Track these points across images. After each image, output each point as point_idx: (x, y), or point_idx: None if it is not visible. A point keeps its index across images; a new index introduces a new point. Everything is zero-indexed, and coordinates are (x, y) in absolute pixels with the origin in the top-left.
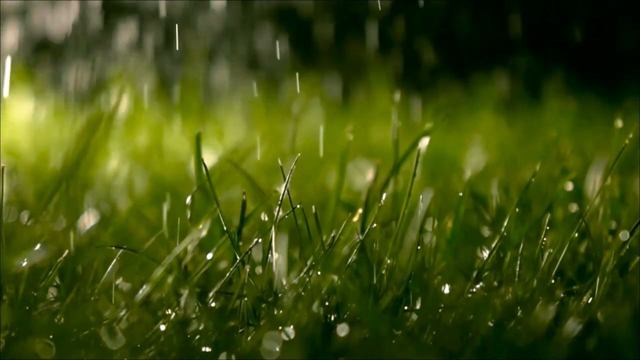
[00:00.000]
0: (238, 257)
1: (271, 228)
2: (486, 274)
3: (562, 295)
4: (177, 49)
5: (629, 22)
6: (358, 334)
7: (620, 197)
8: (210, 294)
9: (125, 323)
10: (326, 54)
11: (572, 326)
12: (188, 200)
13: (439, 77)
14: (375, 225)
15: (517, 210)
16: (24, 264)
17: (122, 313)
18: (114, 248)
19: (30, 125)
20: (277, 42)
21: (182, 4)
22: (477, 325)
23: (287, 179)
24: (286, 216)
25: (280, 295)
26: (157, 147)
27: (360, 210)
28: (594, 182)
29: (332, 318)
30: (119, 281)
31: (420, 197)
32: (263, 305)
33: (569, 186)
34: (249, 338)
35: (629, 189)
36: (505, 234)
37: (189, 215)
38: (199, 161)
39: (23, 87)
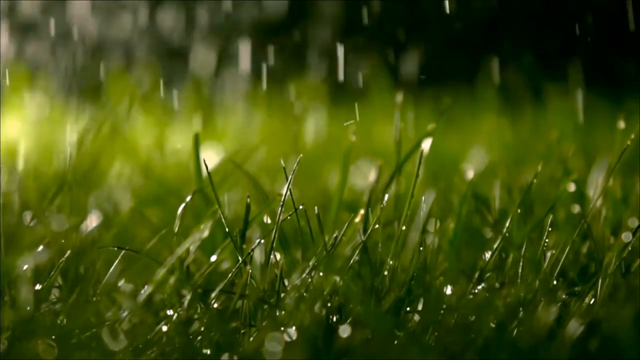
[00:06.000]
0: (240, 259)
1: (273, 229)
2: (488, 275)
3: (564, 296)
4: (180, 49)
5: (632, 23)
6: (360, 335)
7: (622, 198)
8: (213, 295)
9: (128, 324)
10: (328, 54)
11: (574, 327)
12: (187, 199)
13: (442, 78)
14: (377, 226)
15: (519, 211)
16: (26, 265)
17: (124, 314)
18: (116, 249)
19: (32, 126)
20: (279, 43)
21: (184, 4)
22: (480, 326)
23: (289, 180)
24: (289, 217)
25: (282, 296)
26: (159, 148)
27: (362, 211)
28: (596, 183)
29: (335, 319)
30: (121, 283)
31: (423, 198)
32: (265, 306)
33: (572, 187)
34: (251, 339)
35: (631, 190)
36: (507, 235)
37: (189, 216)
38: (198, 162)
39: (24, 86)
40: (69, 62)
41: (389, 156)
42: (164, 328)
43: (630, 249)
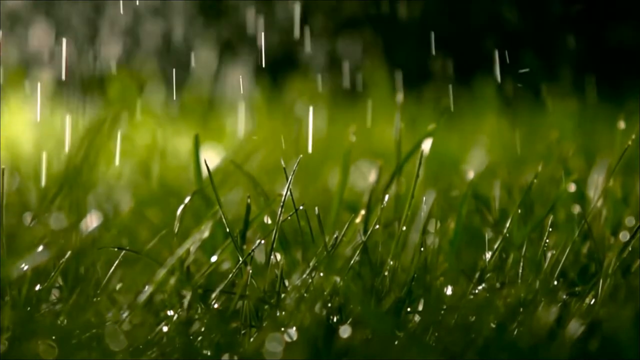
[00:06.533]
0: (241, 259)
1: (274, 230)
2: (489, 275)
3: (564, 296)
4: (181, 50)
5: (632, 23)
6: (360, 335)
7: (622, 198)
8: (213, 295)
9: (128, 324)
10: (329, 55)
11: (575, 327)
12: (187, 200)
13: (442, 78)
14: (377, 226)
15: (519, 211)
16: (27, 265)
17: (125, 314)
18: (116, 249)
19: (33, 126)
20: (280, 44)
21: (186, 4)
22: (480, 327)
23: (289, 180)
24: (289, 217)
25: (282, 296)
26: (160, 148)
27: (362, 212)
28: (596, 184)
29: (335, 319)
30: (120, 285)
31: (424, 198)
32: (265, 307)
33: (572, 187)
34: (251, 339)
35: (631, 190)
36: (507, 235)
37: (189, 217)
38: (197, 163)
39: (25, 87)
40: (69, 61)
41: (389, 156)
42: (165, 328)
43: (630, 249)
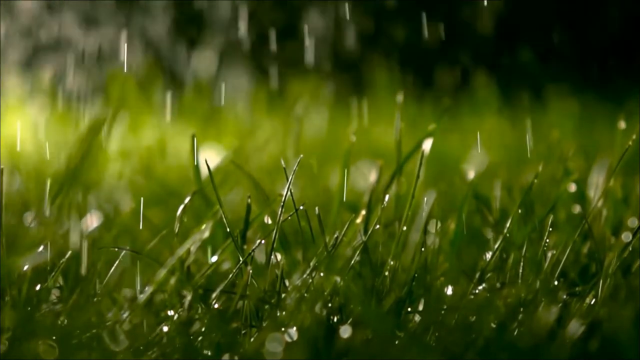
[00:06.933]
0: (241, 259)
1: (274, 230)
2: (489, 275)
3: (564, 296)
4: (182, 49)
5: (632, 23)
6: (361, 335)
7: (623, 198)
8: (214, 295)
9: (128, 324)
10: (329, 55)
11: (575, 327)
12: (186, 200)
13: (442, 79)
14: (378, 226)
15: (520, 211)
16: (27, 265)
17: (125, 314)
18: (116, 249)
19: (33, 126)
20: (280, 44)
21: (187, 4)
22: (480, 327)
23: (290, 180)
24: (289, 217)
25: (283, 296)
26: (160, 148)
27: (363, 212)
28: (596, 184)
29: (335, 319)
30: (120, 285)
31: (425, 199)
32: (266, 307)
33: (572, 187)
34: (251, 339)
35: (631, 190)
36: (508, 235)
37: (189, 217)
38: (196, 163)
39: (25, 87)
40: (69, 61)
41: (389, 156)
42: (165, 328)
43: (630, 249)
